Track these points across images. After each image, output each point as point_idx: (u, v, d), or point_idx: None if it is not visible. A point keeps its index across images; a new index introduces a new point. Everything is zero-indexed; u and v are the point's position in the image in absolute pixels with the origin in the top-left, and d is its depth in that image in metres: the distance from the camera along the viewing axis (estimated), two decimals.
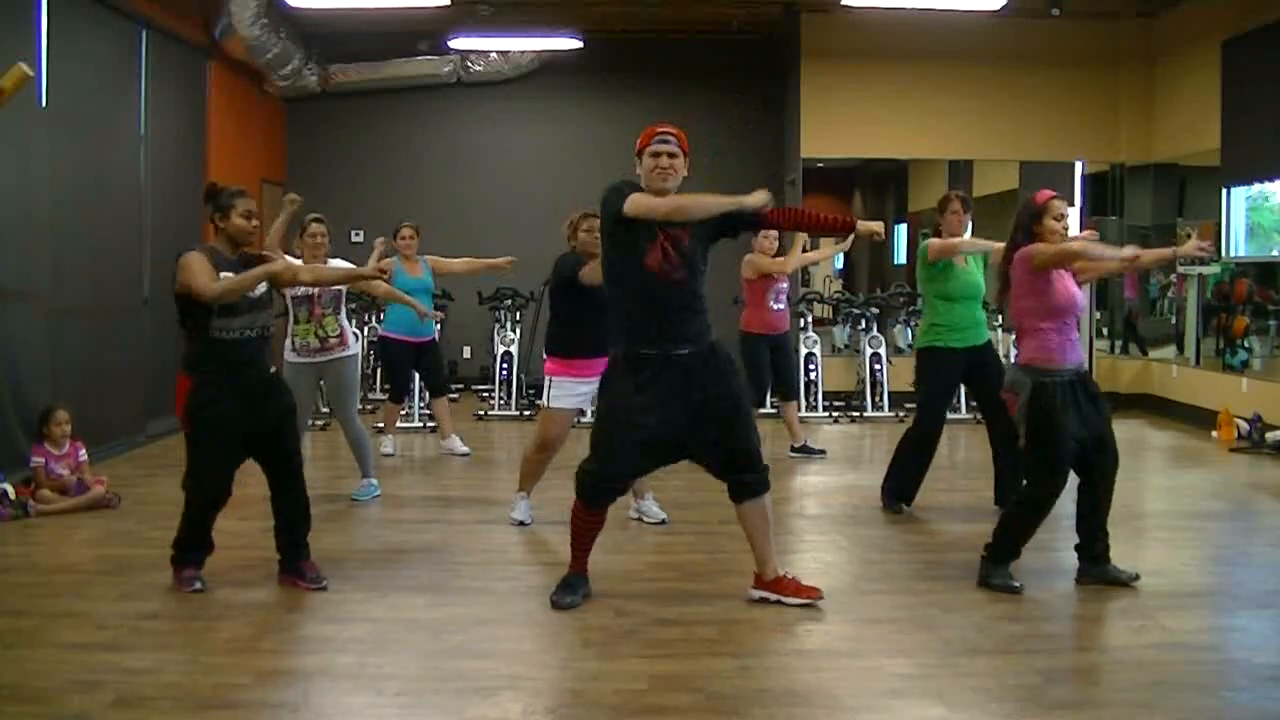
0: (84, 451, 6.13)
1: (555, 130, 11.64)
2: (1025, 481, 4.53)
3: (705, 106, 11.31)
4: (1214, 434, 8.49)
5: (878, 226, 4.51)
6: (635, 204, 4.01)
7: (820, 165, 11.13)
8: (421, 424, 8.91)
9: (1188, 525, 5.80)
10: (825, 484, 6.90)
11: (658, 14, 10.27)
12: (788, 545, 5.27)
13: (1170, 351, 10.21)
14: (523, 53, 11.20)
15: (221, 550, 4.54)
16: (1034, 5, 9.13)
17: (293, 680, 3.56)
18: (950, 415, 8.55)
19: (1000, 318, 9.26)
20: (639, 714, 3.27)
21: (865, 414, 9.71)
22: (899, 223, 13.49)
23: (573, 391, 5.33)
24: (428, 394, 8.18)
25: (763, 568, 4.29)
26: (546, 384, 5.37)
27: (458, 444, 7.75)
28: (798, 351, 9.51)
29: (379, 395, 9.99)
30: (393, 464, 7.45)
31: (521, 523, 5.55)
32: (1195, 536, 5.59)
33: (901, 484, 5.89)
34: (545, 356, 5.48)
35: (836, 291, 12.72)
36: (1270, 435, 7.86)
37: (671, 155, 4.10)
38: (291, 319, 5.92)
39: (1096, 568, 4.54)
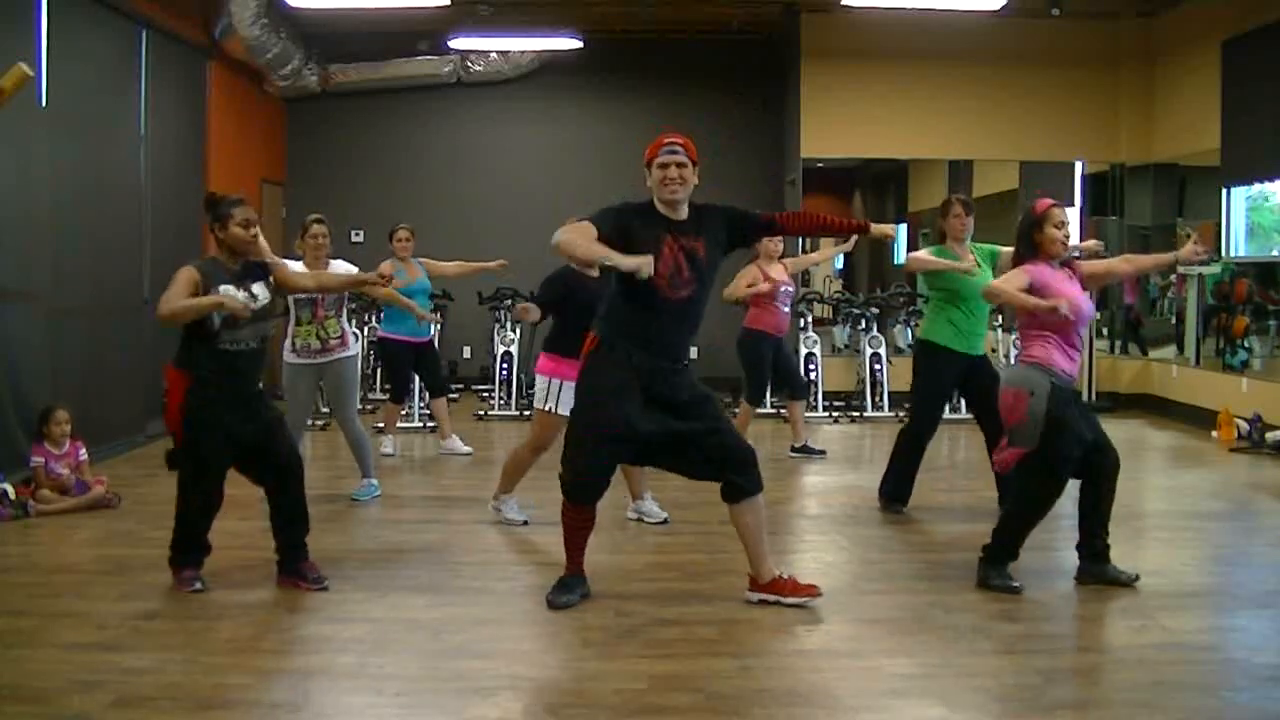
0: (84, 451, 6.13)
1: (555, 130, 11.64)
2: (1023, 481, 4.50)
3: (705, 106, 11.32)
4: (1214, 434, 8.49)
5: (890, 229, 4.52)
6: (560, 235, 4.02)
7: (820, 165, 11.14)
8: (421, 424, 8.91)
9: (1188, 525, 5.80)
10: (825, 484, 6.90)
11: (658, 14, 10.27)
12: (788, 545, 5.28)
13: (1170, 351, 10.21)
14: (523, 53, 11.20)
15: (221, 550, 4.54)
16: (1034, 5, 9.14)
17: (293, 680, 3.56)
18: (950, 415, 8.58)
19: (1000, 317, 9.27)
20: (639, 714, 3.27)
21: (865, 414, 9.71)
22: (899, 223, 13.49)
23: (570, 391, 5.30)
24: (427, 394, 8.18)
25: (758, 569, 4.28)
26: (551, 387, 5.29)
27: (458, 444, 7.75)
28: (798, 352, 9.52)
29: (379, 395, 10.00)
30: (393, 464, 7.45)
31: (524, 522, 5.55)
32: (1195, 536, 5.59)
33: (896, 485, 5.89)
34: (545, 354, 5.42)
35: (836, 291, 12.72)
36: (1270, 435, 7.86)
37: (680, 165, 4.09)
38: (293, 320, 5.92)
39: (1096, 567, 4.54)
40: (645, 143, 4.23)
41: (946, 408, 6.26)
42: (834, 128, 10.35)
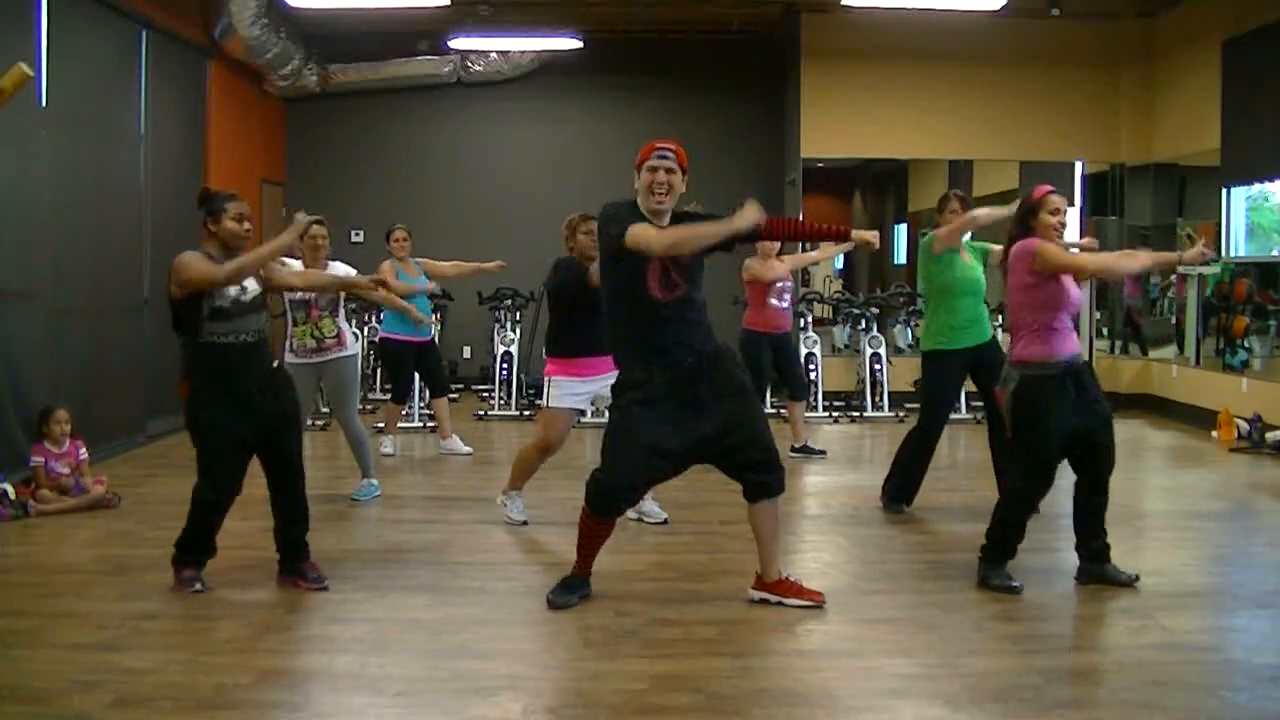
0: (84, 451, 6.13)
1: (555, 130, 11.64)
2: (1012, 478, 4.53)
3: (705, 106, 11.33)
4: (1214, 434, 8.49)
5: (872, 236, 4.52)
6: (634, 238, 3.95)
7: (820, 165, 11.14)
8: (421, 424, 8.91)
9: (1188, 525, 5.80)
10: (825, 484, 6.90)
11: (658, 14, 10.25)
12: (788, 545, 5.26)
13: (1170, 351, 10.21)
14: (523, 53, 11.20)
15: (221, 550, 4.54)
16: (1034, 5, 9.13)
17: (293, 680, 3.56)
18: (950, 415, 8.58)
19: (1000, 317, 9.26)
20: (639, 714, 3.27)
21: (865, 414, 9.71)
22: (899, 223, 13.49)
23: (572, 391, 5.33)
24: (428, 394, 8.18)
25: (767, 569, 4.29)
26: (546, 384, 5.38)
27: (458, 444, 7.75)
28: (796, 351, 9.52)
29: (379, 395, 10.00)
30: (393, 464, 7.45)
31: (524, 522, 5.55)
32: (1195, 536, 5.59)
33: (902, 485, 5.89)
34: (545, 357, 5.48)
35: (836, 291, 12.72)
36: (1270, 435, 7.86)
37: (669, 171, 4.09)
38: (290, 321, 5.93)
39: (1096, 567, 4.54)
40: (645, 143, 4.23)
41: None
42: (834, 128, 10.35)
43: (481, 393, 10.72)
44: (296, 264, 5.84)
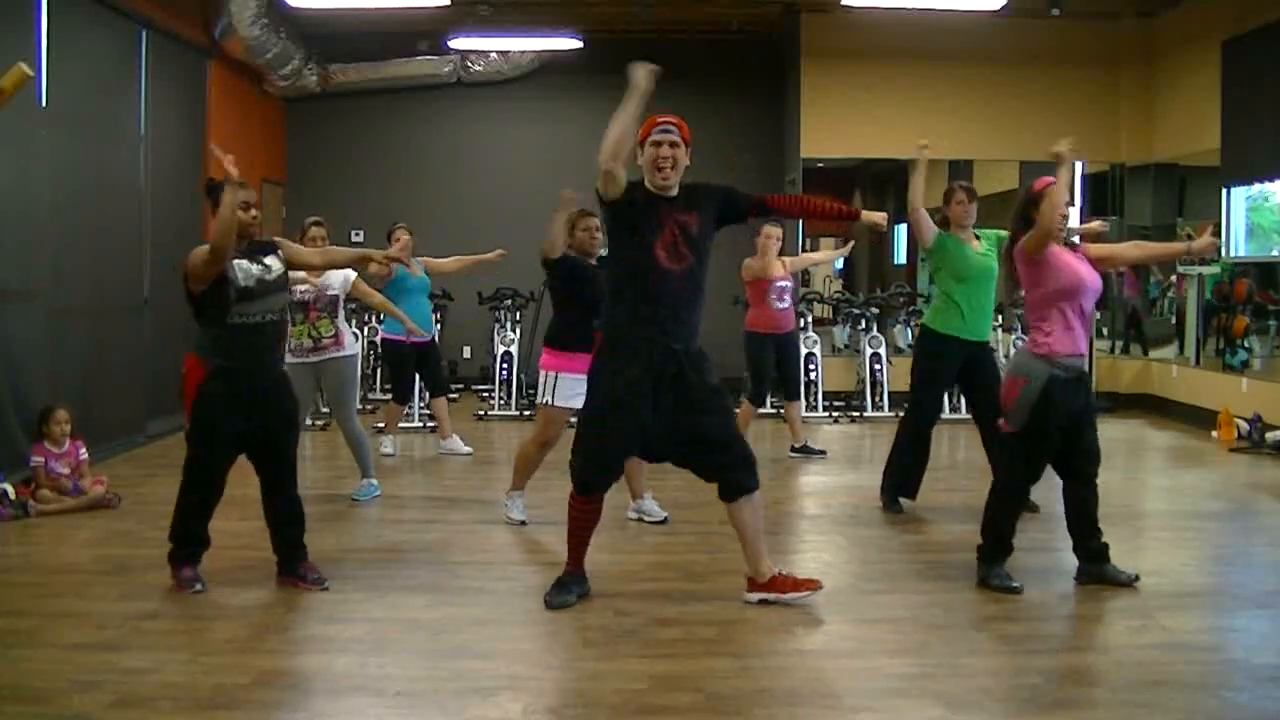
0: (84, 451, 6.13)
1: (555, 130, 11.63)
2: (1002, 472, 4.52)
3: (705, 106, 11.29)
4: (1214, 434, 8.49)
5: (880, 217, 4.51)
6: (601, 173, 4.02)
7: (820, 165, 11.13)
8: (421, 424, 8.91)
9: (1188, 525, 5.80)
10: (825, 484, 6.90)
11: (658, 14, 10.25)
12: (788, 545, 5.28)
13: (1170, 351, 10.21)
14: (523, 53, 11.20)
15: (221, 550, 4.54)
16: (1034, 5, 9.13)
17: (292, 680, 3.56)
18: (950, 415, 8.59)
19: (1000, 317, 9.27)
20: (639, 714, 3.27)
21: (865, 414, 9.71)
22: (899, 222, 13.48)
23: (575, 389, 5.31)
24: (427, 394, 8.18)
25: (756, 568, 4.28)
26: (548, 380, 5.33)
27: (458, 444, 7.75)
28: (799, 351, 9.51)
29: (379, 395, 10.00)
30: (393, 464, 7.45)
31: (522, 522, 5.56)
32: (1195, 536, 5.59)
33: (901, 479, 5.88)
34: (544, 348, 5.44)
35: (836, 291, 12.73)
36: (1270, 435, 7.86)
37: (673, 145, 4.12)
38: (290, 320, 5.92)
39: (1096, 568, 4.54)
40: (646, 118, 4.22)
41: (947, 405, 6.25)
42: (834, 128, 10.35)
43: (481, 393, 10.71)
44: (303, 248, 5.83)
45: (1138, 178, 10.53)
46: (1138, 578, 4.51)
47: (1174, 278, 10.22)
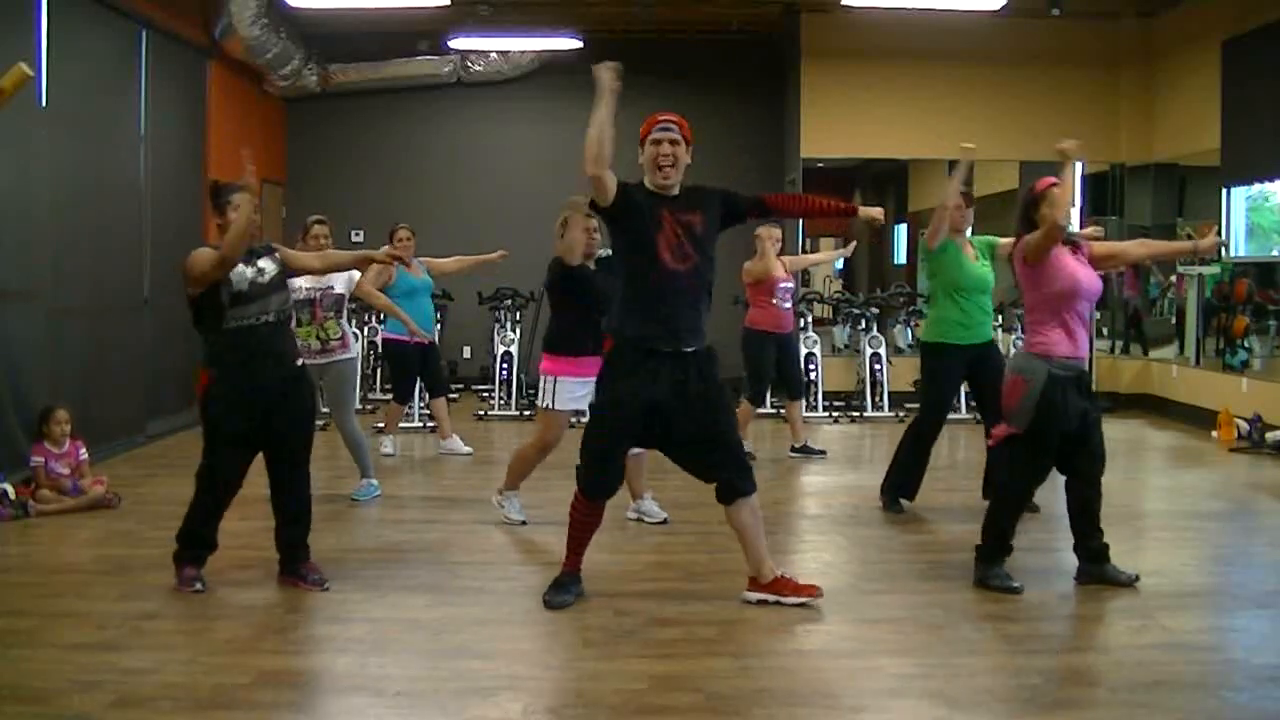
0: (84, 451, 6.13)
1: (555, 130, 11.60)
2: (1004, 472, 4.52)
3: (705, 106, 11.29)
4: (1214, 434, 8.49)
5: (877, 212, 4.51)
6: (591, 181, 4.06)
7: (820, 165, 11.13)
8: (421, 424, 8.91)
9: (1188, 525, 5.80)
10: (825, 484, 6.90)
11: (658, 14, 10.25)
12: (788, 545, 5.27)
13: (1170, 351, 10.21)
14: (523, 53, 11.19)
15: (221, 550, 4.54)
16: (1034, 5, 9.13)
17: (293, 680, 3.56)
18: (951, 415, 8.59)
19: (1000, 317, 9.27)
20: (639, 714, 3.27)
21: (865, 414, 9.71)
22: (899, 223, 13.49)
23: (574, 394, 5.32)
24: (427, 394, 8.18)
25: (758, 569, 4.28)
26: (549, 384, 5.33)
27: (458, 444, 7.75)
28: (798, 351, 9.52)
29: (379, 395, 10.01)
30: (393, 464, 7.46)
31: (522, 522, 5.55)
32: (1195, 536, 5.59)
33: (902, 480, 5.89)
34: (545, 354, 5.44)
35: (836, 291, 12.73)
36: (1270, 435, 7.86)
37: (673, 142, 4.12)
38: (294, 321, 5.91)
39: (1096, 568, 4.54)
40: (646, 117, 4.23)
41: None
42: (834, 128, 10.35)
43: (481, 393, 10.71)
44: (305, 254, 5.83)
45: (1138, 178, 10.54)
46: (1138, 578, 4.51)
47: (1174, 278, 10.22)
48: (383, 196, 11.23)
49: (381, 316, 8.58)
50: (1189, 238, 9.18)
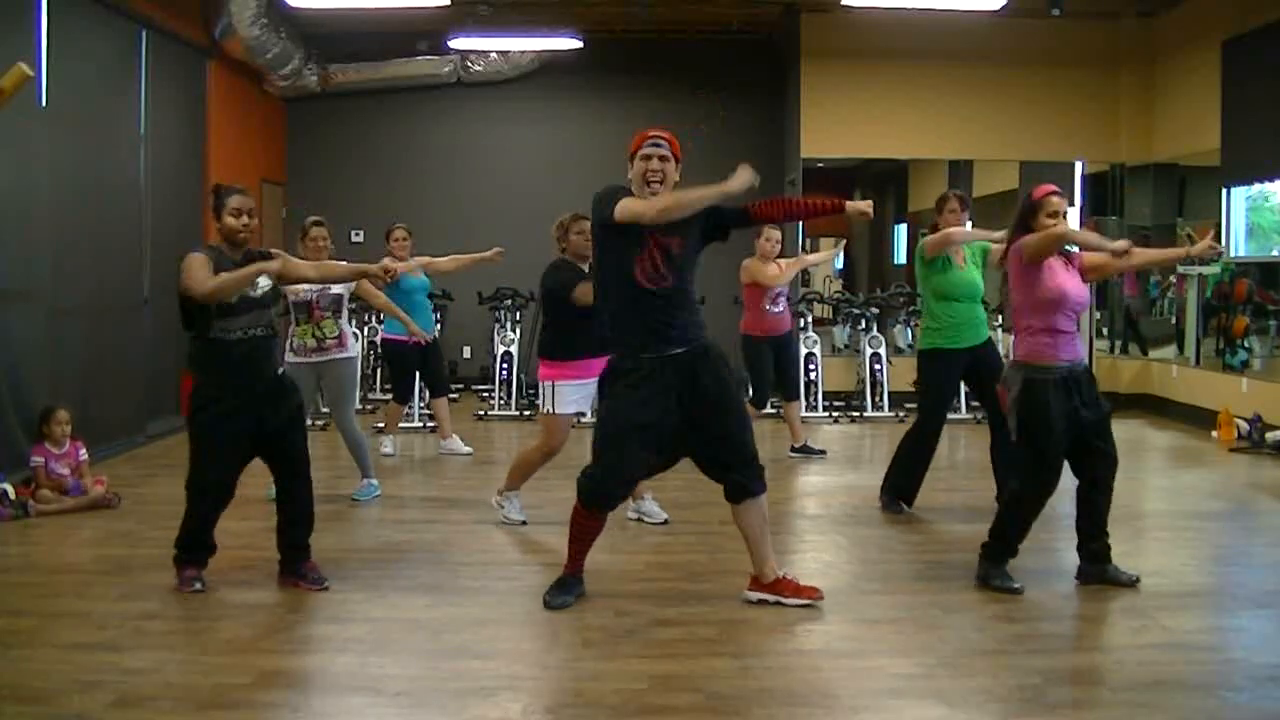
0: (84, 451, 6.13)
1: (555, 130, 11.64)
2: (1017, 478, 4.52)
3: (705, 106, 11.32)
4: (1214, 434, 8.49)
5: (866, 206, 4.47)
6: (624, 209, 3.98)
7: (820, 165, 11.13)
8: (421, 424, 8.91)
9: (1188, 525, 5.80)
10: (825, 484, 6.90)
11: (658, 14, 10.25)
12: (788, 545, 5.27)
13: (1170, 351, 10.21)
14: (523, 53, 11.20)
15: (221, 550, 4.54)
16: (1034, 5, 9.13)
17: (293, 680, 3.56)
18: (950, 415, 8.58)
19: (1000, 317, 9.27)
20: (639, 714, 3.27)
21: (865, 414, 9.71)
22: (899, 223, 13.49)
23: (572, 396, 5.32)
24: (428, 394, 8.18)
25: (761, 569, 4.28)
26: (548, 390, 5.31)
27: (458, 444, 7.75)
28: (796, 352, 9.52)
29: (379, 395, 10.01)
30: (393, 464, 7.46)
31: (522, 522, 5.56)
32: (1195, 536, 5.59)
33: (902, 484, 5.90)
34: (540, 360, 5.43)
35: (836, 291, 12.73)
36: (1270, 435, 7.86)
37: (663, 159, 4.09)
38: (292, 320, 5.93)
39: (1097, 567, 4.54)
40: (637, 132, 4.22)
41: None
42: (834, 128, 10.35)
43: (481, 393, 10.72)
44: (301, 261, 5.84)
45: (1138, 178, 10.53)
46: (1138, 579, 4.51)
47: (1173, 278, 10.21)
48: (383, 196, 11.22)
49: (381, 316, 8.58)
50: (1189, 238, 9.18)
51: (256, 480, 4.57)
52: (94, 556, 5.03)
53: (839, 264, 13.98)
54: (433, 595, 4.39)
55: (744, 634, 3.99)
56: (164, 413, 8.24)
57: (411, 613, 4.18)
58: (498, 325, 10.17)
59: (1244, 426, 8.18)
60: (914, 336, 10.46)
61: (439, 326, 10.21)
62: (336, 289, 5.97)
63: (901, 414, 9.35)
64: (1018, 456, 4.51)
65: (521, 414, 9.49)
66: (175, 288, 4.29)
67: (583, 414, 5.64)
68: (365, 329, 9.90)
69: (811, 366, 9.73)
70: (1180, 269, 9.79)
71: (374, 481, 6.24)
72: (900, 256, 13.55)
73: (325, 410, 8.11)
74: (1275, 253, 9.32)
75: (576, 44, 10.57)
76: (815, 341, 9.88)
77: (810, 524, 5.89)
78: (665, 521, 5.58)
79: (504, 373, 9.74)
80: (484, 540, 5.34)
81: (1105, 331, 11.03)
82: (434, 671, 3.59)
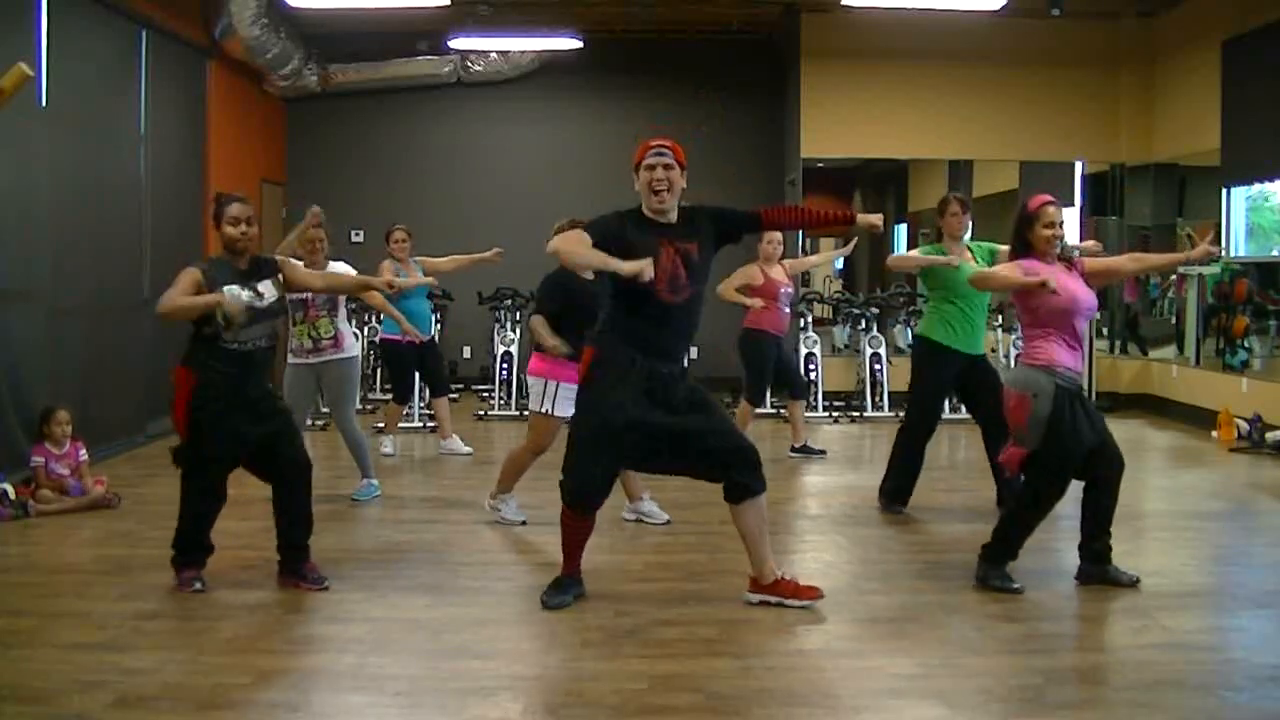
0: (84, 451, 6.13)
1: (555, 130, 11.65)
2: (1026, 481, 4.49)
3: (705, 106, 11.32)
4: (1214, 434, 8.49)
5: (877, 219, 4.50)
6: (551, 247, 4.13)
7: (820, 165, 11.15)
8: (421, 424, 8.91)
9: (1188, 525, 5.80)
10: (825, 484, 6.90)
11: (658, 14, 10.27)
12: (788, 545, 5.27)
13: (1170, 351, 10.21)
14: (523, 53, 11.20)
15: (221, 550, 4.54)
16: (1034, 5, 9.13)
17: (293, 680, 3.56)
18: (950, 415, 8.59)
19: (1000, 317, 9.27)
20: (639, 714, 3.27)
21: (865, 414, 9.71)
22: (899, 223, 13.49)
23: (571, 397, 5.30)
24: (428, 394, 8.18)
25: (760, 570, 4.27)
26: (548, 389, 5.31)
27: (458, 444, 7.75)
28: (797, 352, 9.53)
29: (379, 395, 10.01)
30: (393, 464, 7.46)
31: (522, 522, 5.55)
32: (1195, 536, 5.59)
33: (898, 484, 5.89)
34: (535, 354, 5.40)
35: (836, 291, 12.72)
36: (1270, 435, 7.86)
37: (667, 167, 4.09)
38: (290, 320, 5.93)
39: (1098, 568, 4.53)
40: (640, 142, 4.23)
41: (946, 407, 6.26)
42: (834, 128, 10.35)
43: (481, 393, 10.72)
44: (308, 271, 5.83)
45: (1138, 178, 10.54)
46: (1139, 581, 4.50)
47: (1174, 278, 10.21)
48: (382, 196, 11.23)
49: (380, 316, 8.58)
50: (1189, 238, 9.18)
51: (257, 480, 4.56)
52: (94, 556, 5.03)
53: (839, 264, 13.97)
54: (433, 595, 4.39)
55: (744, 634, 3.99)
56: (164, 413, 8.18)
57: (411, 613, 4.18)
58: (498, 325, 10.17)
59: (1244, 426, 8.18)
60: (913, 336, 10.47)
61: (439, 326, 10.22)
62: None
63: (901, 414, 9.33)
64: (1032, 460, 4.46)
65: (521, 414, 9.47)
66: None
67: None
68: (365, 329, 9.89)
69: (811, 366, 9.73)
70: (1180, 269, 9.79)
71: (374, 481, 6.24)
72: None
73: (325, 410, 8.13)
74: (1275, 253, 9.32)
75: (576, 44, 10.57)
76: (815, 341, 9.89)
77: (810, 524, 5.89)
78: (667, 522, 5.58)
79: (504, 373, 9.74)
80: (484, 540, 5.34)
81: (1105, 331, 11.02)
82: (434, 671, 3.59)
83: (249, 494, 4.63)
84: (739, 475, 4.17)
